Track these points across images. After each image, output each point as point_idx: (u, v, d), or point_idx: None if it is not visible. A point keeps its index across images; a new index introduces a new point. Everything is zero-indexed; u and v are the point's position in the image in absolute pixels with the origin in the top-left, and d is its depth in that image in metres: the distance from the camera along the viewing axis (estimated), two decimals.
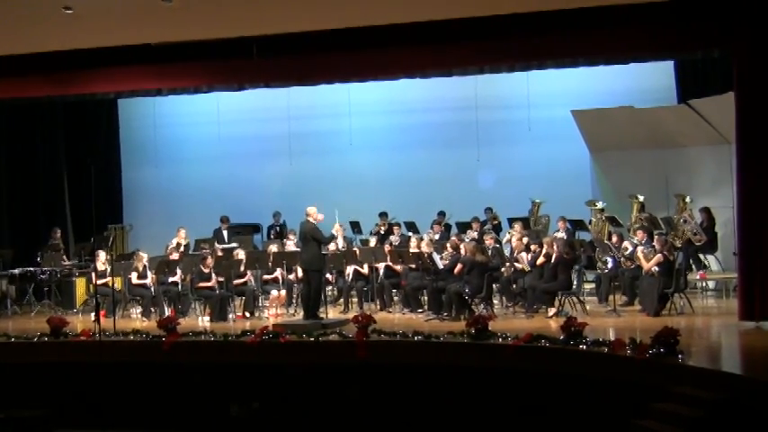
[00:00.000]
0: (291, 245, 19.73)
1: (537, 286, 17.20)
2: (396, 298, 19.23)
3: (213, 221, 22.14)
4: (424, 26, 16.38)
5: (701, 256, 19.65)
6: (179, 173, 25.28)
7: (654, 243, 17.05)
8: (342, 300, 19.45)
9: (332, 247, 19.36)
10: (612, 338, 13.48)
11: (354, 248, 19.95)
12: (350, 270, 19.18)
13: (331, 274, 19.36)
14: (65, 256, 21.54)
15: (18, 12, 15.49)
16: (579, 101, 21.76)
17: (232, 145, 24.82)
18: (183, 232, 20.95)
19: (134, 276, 18.81)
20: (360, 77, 19.22)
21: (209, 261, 18.68)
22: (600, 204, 20.78)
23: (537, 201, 21.76)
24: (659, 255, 16.56)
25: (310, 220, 16.94)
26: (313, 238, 16.85)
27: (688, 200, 19.74)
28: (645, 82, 21.66)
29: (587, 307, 17.33)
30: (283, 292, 18.84)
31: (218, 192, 24.56)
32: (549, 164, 22.56)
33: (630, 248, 17.78)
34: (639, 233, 17.90)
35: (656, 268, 16.54)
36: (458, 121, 23.60)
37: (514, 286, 17.95)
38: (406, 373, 14.70)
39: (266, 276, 19.25)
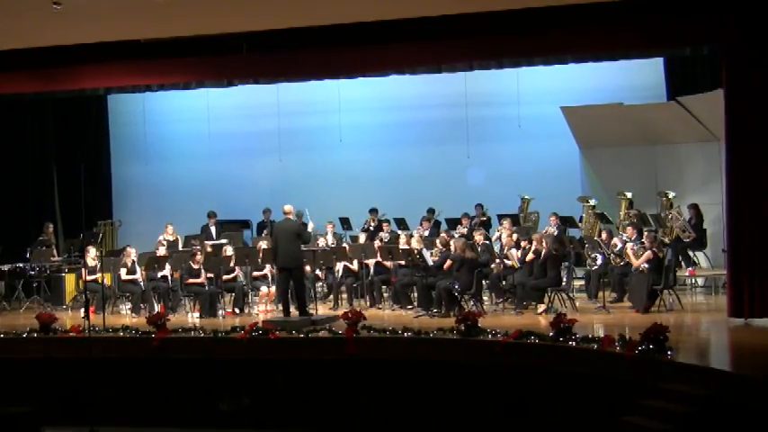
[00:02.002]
0: None
1: (526, 283, 17.21)
2: (385, 294, 19.21)
3: (203, 218, 22.14)
4: (413, 22, 16.39)
5: (691, 252, 19.70)
6: (168, 169, 25.23)
7: (643, 240, 17.07)
8: (331, 296, 19.46)
9: (321, 242, 19.41)
10: (602, 335, 13.50)
11: (344, 245, 19.99)
12: (339, 266, 19.17)
13: (321, 270, 19.37)
14: (55, 252, 21.50)
15: (6, 7, 15.45)
16: (569, 98, 21.76)
17: (222, 141, 24.78)
18: (170, 228, 20.97)
19: (123, 272, 18.80)
20: (349, 74, 19.25)
21: (199, 257, 18.69)
22: (592, 201, 20.80)
23: (526, 197, 21.78)
24: (648, 252, 16.59)
25: (291, 218, 17.06)
26: (299, 235, 16.96)
27: (671, 195, 19.78)
28: (634, 79, 21.67)
29: (577, 303, 17.35)
30: (273, 288, 18.82)
31: (207, 188, 24.54)
32: (539, 160, 22.55)
33: (620, 245, 17.80)
34: (629, 230, 17.91)
35: (646, 265, 16.57)
36: (448, 118, 23.58)
37: (504, 283, 17.97)
38: (396, 369, 14.71)
39: (256, 273, 19.26)
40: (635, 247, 17.05)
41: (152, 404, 15.64)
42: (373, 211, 22.09)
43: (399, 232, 20.55)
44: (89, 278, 18.32)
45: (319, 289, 19.84)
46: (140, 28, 16.99)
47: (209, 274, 18.61)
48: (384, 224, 21.26)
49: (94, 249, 19.44)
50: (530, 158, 22.73)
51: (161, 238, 20.36)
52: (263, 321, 16.30)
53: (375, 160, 23.99)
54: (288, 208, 17.18)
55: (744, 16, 15.12)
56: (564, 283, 17.38)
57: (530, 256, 17.38)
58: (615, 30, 15.99)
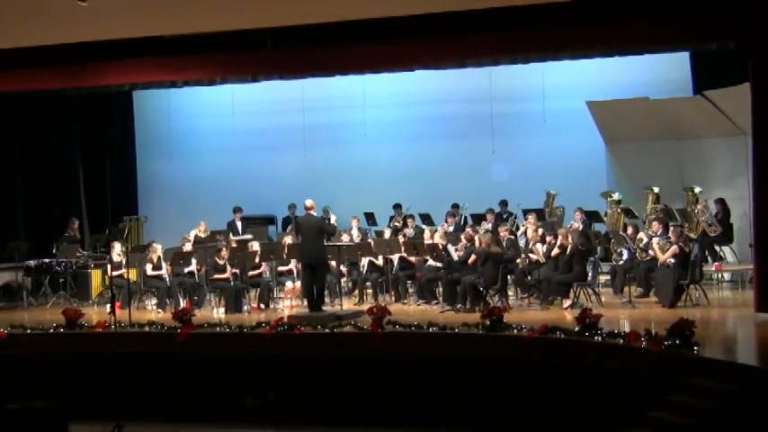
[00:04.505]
0: None
1: (552, 278, 17.18)
2: (410, 289, 19.21)
3: (227, 213, 22.15)
4: (438, 17, 16.37)
5: (717, 247, 19.59)
6: (194, 165, 25.30)
7: (669, 234, 16.99)
8: (356, 291, 19.47)
9: (346, 238, 19.42)
10: (627, 330, 13.46)
11: (369, 240, 19.97)
12: (364, 262, 19.20)
13: (345, 265, 19.38)
14: (80, 248, 21.58)
15: (32, 4, 15.51)
16: (594, 92, 21.69)
17: (246, 137, 24.83)
18: (203, 225, 20.96)
19: (149, 268, 18.88)
20: (374, 69, 19.20)
21: (224, 253, 18.71)
22: (616, 196, 20.70)
23: (552, 192, 21.69)
24: (675, 246, 16.51)
25: (313, 213, 17.07)
26: (322, 230, 16.99)
27: (697, 190, 19.67)
28: (660, 73, 21.57)
29: (602, 298, 17.29)
30: (298, 283, 18.82)
31: (232, 184, 24.58)
32: (564, 155, 22.48)
33: (646, 240, 17.73)
34: (655, 224, 17.83)
35: (672, 260, 16.49)
36: (473, 113, 23.53)
37: (529, 278, 17.94)
38: (421, 364, 14.71)
39: (281, 268, 19.31)
40: (661, 242, 16.96)
41: (177, 399, 15.69)
42: (397, 206, 22.07)
43: (424, 227, 20.55)
44: (115, 274, 18.32)
45: (344, 284, 19.87)
46: (165, 24, 17.03)
47: (235, 270, 18.63)
48: (409, 219, 21.24)
49: (120, 245, 19.51)
50: (555, 153, 22.66)
51: (192, 233, 20.38)
52: (288, 317, 16.29)
53: (399, 155, 23.98)
54: (309, 203, 17.19)
55: None
56: (589, 278, 17.34)
57: (555, 251, 17.34)
58: (641, 24, 15.94)
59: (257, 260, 18.81)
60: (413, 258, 18.93)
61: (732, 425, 10.71)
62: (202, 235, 20.76)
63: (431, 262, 18.52)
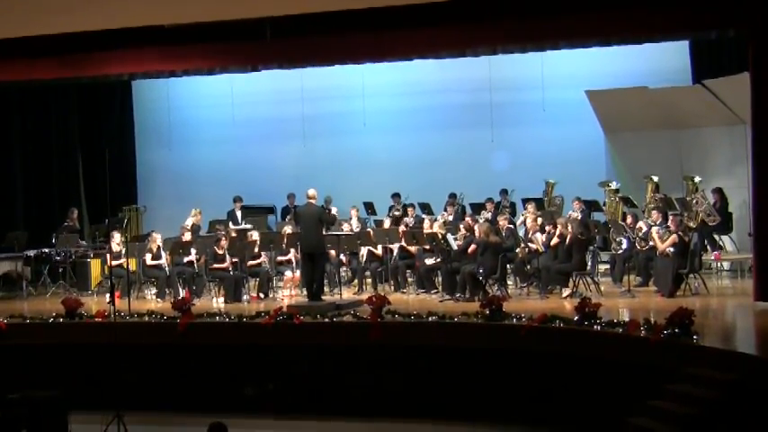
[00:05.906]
0: None
1: (551, 267, 17.18)
2: (410, 279, 19.21)
3: (227, 203, 22.13)
4: (437, 6, 16.32)
5: (716, 236, 19.59)
6: (193, 155, 25.26)
7: (668, 224, 16.99)
8: (356, 281, 19.48)
9: (345, 227, 19.41)
10: (627, 319, 13.50)
11: (368, 229, 19.96)
12: (364, 251, 19.19)
13: (345, 255, 19.38)
14: (80, 238, 21.57)
15: None
16: (594, 82, 21.65)
17: (246, 127, 24.79)
18: (198, 214, 20.93)
19: (148, 257, 18.88)
20: (373, 58, 19.22)
21: (224, 242, 18.70)
22: (613, 185, 20.70)
23: (551, 181, 21.68)
24: (674, 235, 16.50)
25: (313, 202, 17.06)
26: (322, 220, 16.97)
27: (697, 180, 19.66)
28: (659, 62, 21.52)
29: (602, 288, 17.30)
30: (297, 273, 18.82)
31: (231, 174, 24.52)
32: (564, 145, 22.44)
33: (645, 229, 17.71)
34: (654, 214, 17.83)
35: (671, 249, 16.48)
36: (472, 103, 23.48)
37: (528, 267, 17.93)
38: (420, 353, 14.73)
39: (280, 258, 19.29)
40: (660, 231, 16.96)
41: (177, 389, 15.72)
42: (396, 195, 22.06)
43: (423, 217, 20.55)
44: (114, 263, 18.26)
45: (344, 274, 19.88)
46: (164, 13, 17.00)
47: (234, 260, 18.62)
48: (409, 209, 21.24)
49: (119, 235, 19.50)
50: (554, 143, 22.62)
51: (188, 221, 20.34)
52: (287, 306, 16.30)
53: (399, 145, 23.94)
54: (312, 192, 17.17)
55: None
56: (589, 268, 17.35)
57: (554, 241, 17.35)
58: (640, 13, 15.91)
59: (257, 250, 18.82)
60: (412, 248, 18.92)
61: (731, 414, 10.71)
62: (197, 223, 20.72)
63: (429, 260, 18.53)
